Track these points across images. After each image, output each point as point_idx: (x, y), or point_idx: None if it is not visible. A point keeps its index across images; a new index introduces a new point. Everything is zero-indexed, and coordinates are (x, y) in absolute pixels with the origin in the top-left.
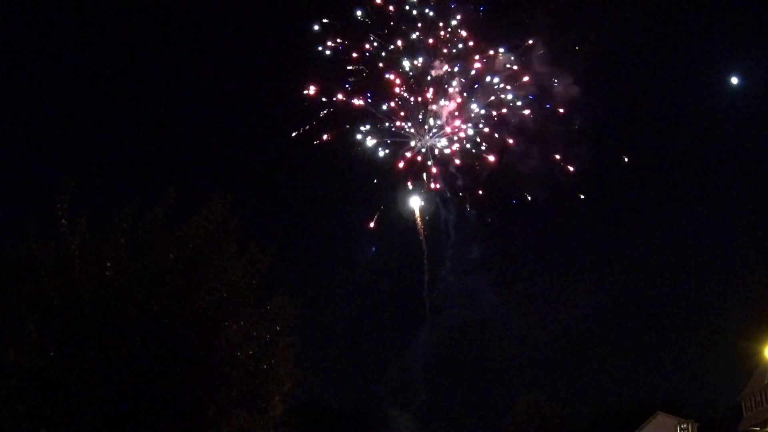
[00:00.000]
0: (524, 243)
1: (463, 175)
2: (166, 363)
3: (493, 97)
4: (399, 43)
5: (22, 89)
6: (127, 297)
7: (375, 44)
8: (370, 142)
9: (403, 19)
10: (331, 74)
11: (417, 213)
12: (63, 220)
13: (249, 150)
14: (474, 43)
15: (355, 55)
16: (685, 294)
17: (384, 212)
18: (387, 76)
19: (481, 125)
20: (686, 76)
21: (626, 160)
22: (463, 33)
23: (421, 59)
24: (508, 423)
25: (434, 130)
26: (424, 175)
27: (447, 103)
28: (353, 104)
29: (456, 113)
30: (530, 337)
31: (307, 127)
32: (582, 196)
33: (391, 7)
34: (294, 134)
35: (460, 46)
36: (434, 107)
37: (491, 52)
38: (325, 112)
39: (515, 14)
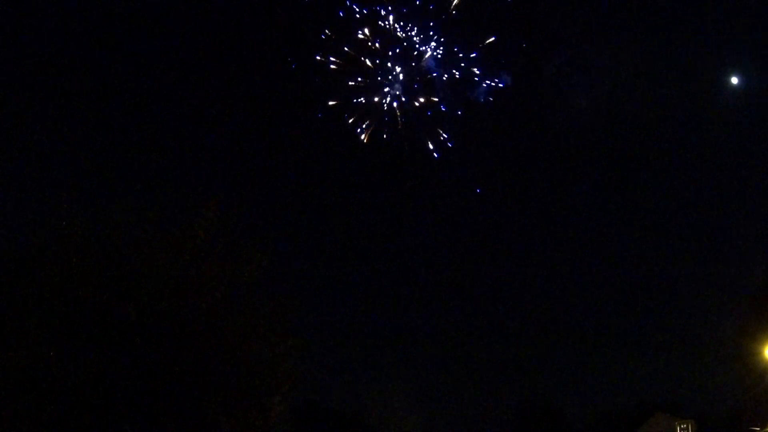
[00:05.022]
0: (522, 237)
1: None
2: (166, 362)
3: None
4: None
5: (21, 88)
6: (127, 297)
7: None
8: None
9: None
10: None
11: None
12: (63, 221)
13: (246, 147)
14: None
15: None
16: (685, 293)
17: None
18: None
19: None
20: (685, 75)
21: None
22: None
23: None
24: (508, 422)
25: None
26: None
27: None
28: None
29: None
30: (529, 336)
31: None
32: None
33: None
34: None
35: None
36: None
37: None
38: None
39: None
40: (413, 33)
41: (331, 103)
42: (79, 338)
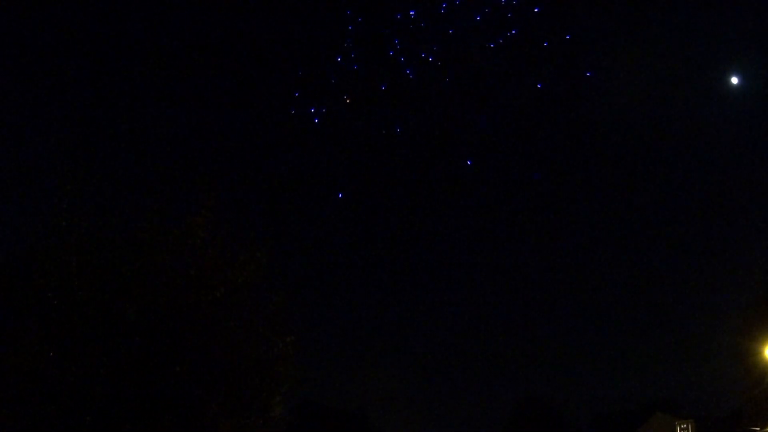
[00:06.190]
0: (522, 237)
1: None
2: (166, 363)
3: None
4: None
5: (20, 88)
6: (127, 297)
7: None
8: None
9: None
10: None
11: None
12: (63, 221)
13: (244, 144)
14: None
15: None
16: (685, 293)
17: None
18: None
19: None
20: (685, 75)
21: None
22: None
23: None
24: (508, 422)
25: None
26: None
27: None
28: None
29: None
30: (529, 336)
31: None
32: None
33: None
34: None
35: None
36: None
37: None
38: None
39: None
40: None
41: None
42: (79, 338)
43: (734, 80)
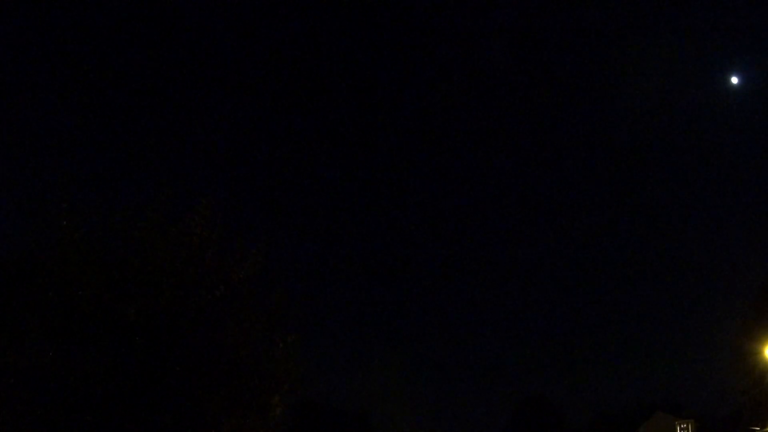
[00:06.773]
0: (522, 238)
1: None
2: (166, 363)
3: None
4: None
5: (21, 89)
6: (126, 296)
7: None
8: None
9: None
10: None
11: None
12: (63, 221)
13: (242, 144)
14: None
15: None
16: (685, 294)
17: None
18: None
19: None
20: (685, 75)
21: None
22: None
23: None
24: (509, 422)
25: None
26: None
27: None
28: None
29: None
30: (530, 336)
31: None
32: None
33: None
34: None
35: None
36: None
37: None
38: None
39: None
40: None
41: None
42: (79, 338)
43: (734, 80)
